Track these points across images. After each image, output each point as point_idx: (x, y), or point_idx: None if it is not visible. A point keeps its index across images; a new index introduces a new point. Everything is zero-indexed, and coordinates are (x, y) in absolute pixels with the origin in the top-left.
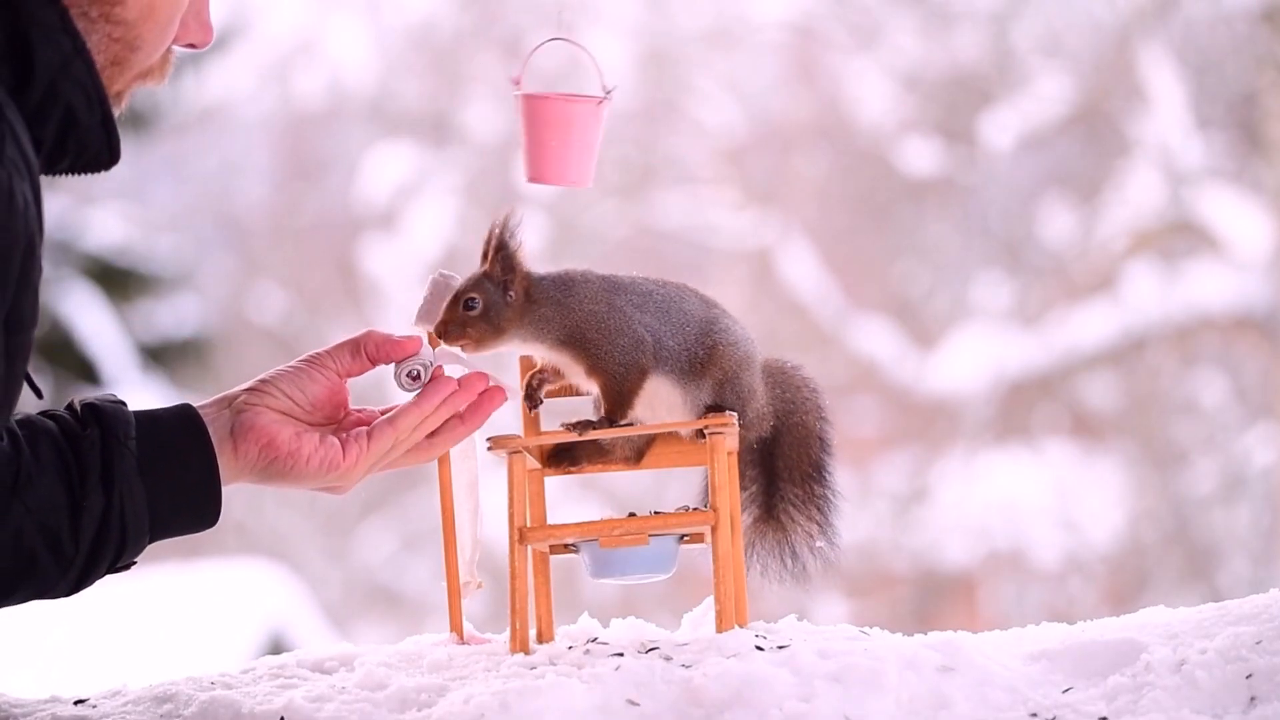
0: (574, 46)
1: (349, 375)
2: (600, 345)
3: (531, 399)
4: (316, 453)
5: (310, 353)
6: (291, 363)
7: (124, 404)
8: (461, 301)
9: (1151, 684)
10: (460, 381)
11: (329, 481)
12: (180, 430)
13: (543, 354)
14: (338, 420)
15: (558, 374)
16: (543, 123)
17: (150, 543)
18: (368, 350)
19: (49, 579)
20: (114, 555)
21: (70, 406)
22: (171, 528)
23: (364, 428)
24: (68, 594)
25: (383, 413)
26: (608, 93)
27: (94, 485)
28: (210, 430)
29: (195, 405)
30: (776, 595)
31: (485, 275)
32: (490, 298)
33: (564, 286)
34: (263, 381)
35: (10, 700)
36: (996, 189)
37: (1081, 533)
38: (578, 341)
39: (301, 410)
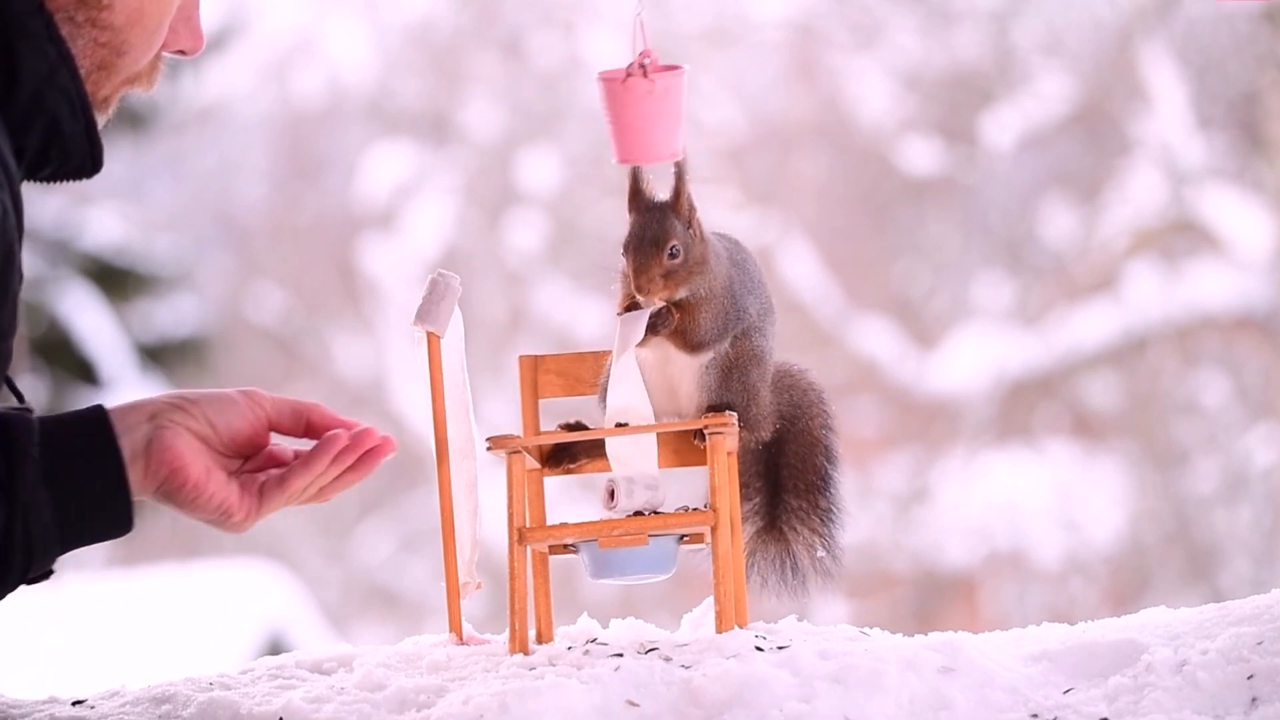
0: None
1: (277, 429)
2: (711, 308)
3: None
4: (219, 493)
5: (251, 388)
6: (228, 389)
7: (30, 410)
8: (667, 250)
9: (1153, 685)
10: (351, 437)
11: (218, 525)
12: (87, 435)
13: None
14: (247, 457)
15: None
16: (622, 103)
17: (64, 552)
18: (311, 418)
19: None
20: (23, 567)
21: None
22: (84, 536)
23: (262, 476)
24: None
25: (295, 455)
26: (643, 68)
27: None
28: (125, 438)
29: (113, 407)
30: (776, 596)
31: (674, 213)
32: (685, 240)
33: (714, 245)
34: (187, 400)
35: (8, 701)
36: (997, 188)
37: (1082, 533)
38: (694, 302)
39: (217, 440)
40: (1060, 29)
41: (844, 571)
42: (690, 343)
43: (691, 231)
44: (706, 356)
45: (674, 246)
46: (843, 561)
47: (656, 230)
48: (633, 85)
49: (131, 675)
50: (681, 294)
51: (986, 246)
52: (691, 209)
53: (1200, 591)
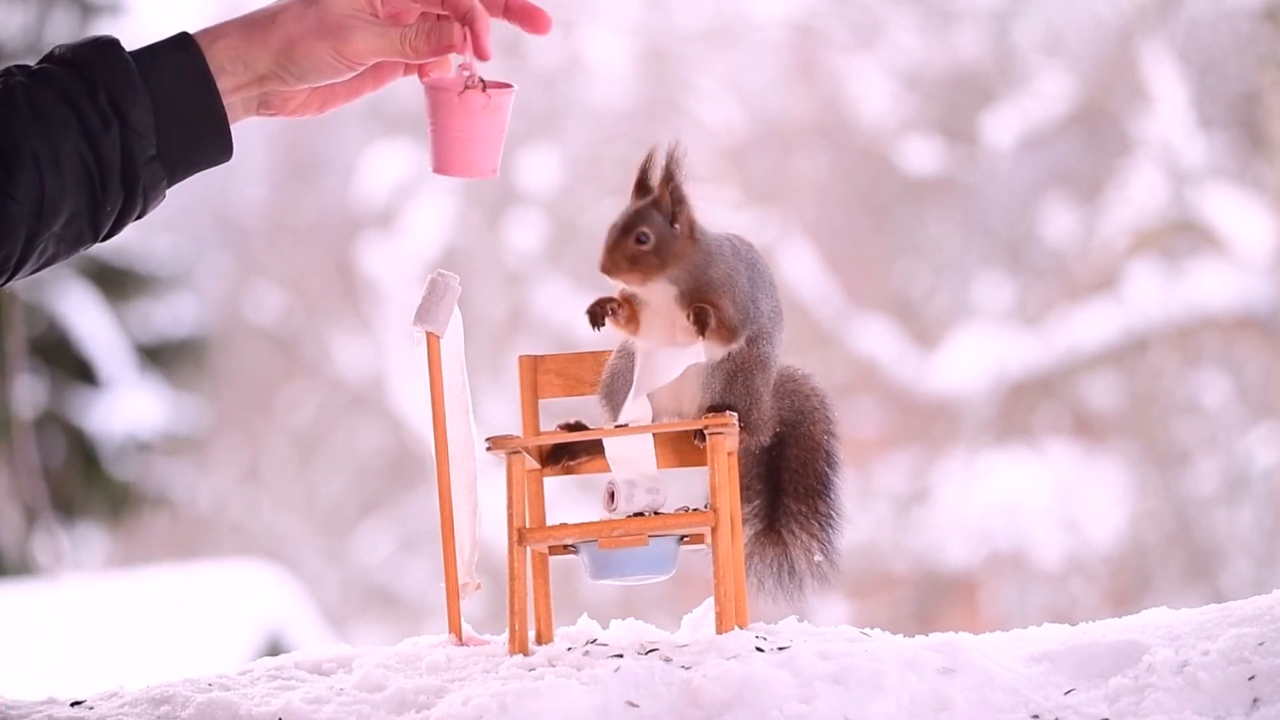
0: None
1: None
2: (729, 294)
3: (597, 322)
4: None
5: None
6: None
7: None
8: (634, 235)
9: (1154, 685)
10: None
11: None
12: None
13: (662, 299)
14: None
15: (631, 317)
16: (446, 113)
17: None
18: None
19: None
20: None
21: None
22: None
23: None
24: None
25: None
26: (482, 83)
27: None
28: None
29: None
30: (773, 600)
31: (654, 204)
32: (660, 230)
33: (716, 240)
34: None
35: (7, 702)
36: (997, 188)
37: (1083, 533)
38: (707, 293)
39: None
40: (1060, 29)
41: (841, 577)
42: (726, 328)
43: (676, 227)
44: (733, 347)
45: (642, 233)
46: (840, 567)
47: (631, 216)
48: (468, 99)
49: (130, 676)
50: (653, 281)
51: (986, 246)
52: (677, 204)
53: (1201, 592)
